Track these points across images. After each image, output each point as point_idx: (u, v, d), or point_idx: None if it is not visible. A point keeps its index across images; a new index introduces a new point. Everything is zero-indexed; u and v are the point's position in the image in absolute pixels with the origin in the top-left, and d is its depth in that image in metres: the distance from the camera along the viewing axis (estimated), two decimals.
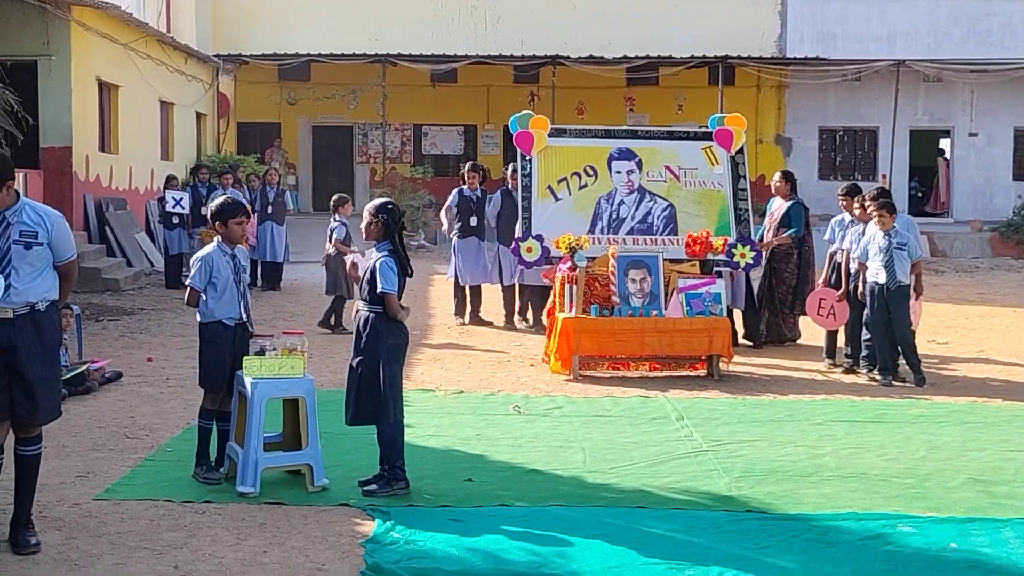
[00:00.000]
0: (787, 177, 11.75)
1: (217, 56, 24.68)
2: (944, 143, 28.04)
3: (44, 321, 5.19)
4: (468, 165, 13.46)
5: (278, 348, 6.29)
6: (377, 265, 6.13)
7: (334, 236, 11.89)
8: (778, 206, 11.69)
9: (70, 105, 16.56)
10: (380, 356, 6.12)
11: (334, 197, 12.35)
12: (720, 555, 5.19)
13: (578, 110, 26.84)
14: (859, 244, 9.84)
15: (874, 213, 9.62)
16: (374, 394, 6.12)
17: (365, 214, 6.32)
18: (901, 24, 26.07)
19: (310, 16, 26.37)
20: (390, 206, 6.30)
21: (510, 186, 12.26)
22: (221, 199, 6.62)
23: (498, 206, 12.56)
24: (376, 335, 6.14)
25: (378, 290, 6.09)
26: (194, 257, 6.51)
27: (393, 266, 6.11)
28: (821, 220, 22.23)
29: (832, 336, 10.47)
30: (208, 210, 6.59)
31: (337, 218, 12.02)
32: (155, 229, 18.53)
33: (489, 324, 12.77)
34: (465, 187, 12.96)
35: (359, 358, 6.17)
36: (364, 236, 6.41)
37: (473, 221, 12.83)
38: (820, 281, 10.67)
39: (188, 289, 6.40)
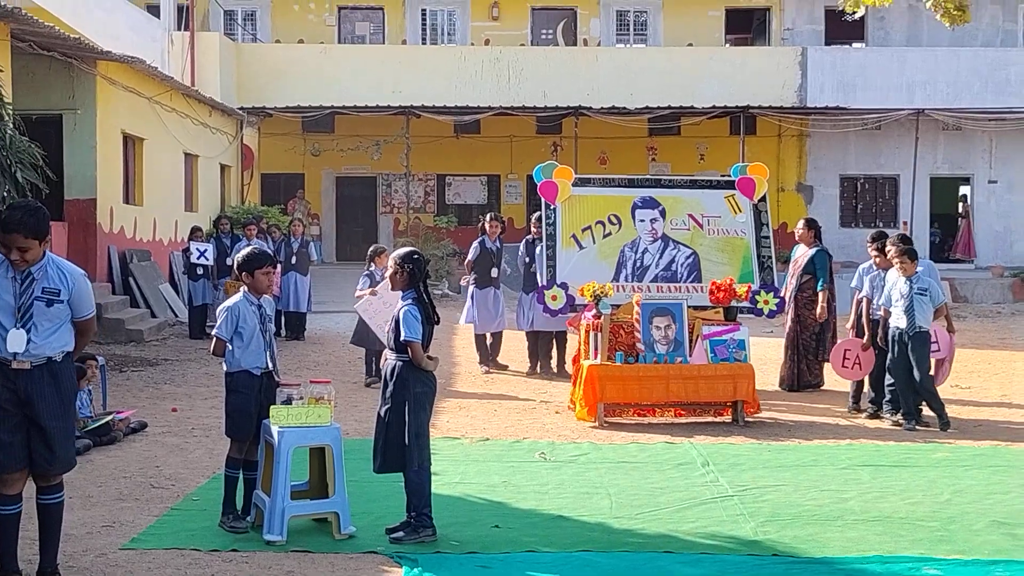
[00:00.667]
0: (810, 225, 11.81)
1: (241, 108, 25.04)
2: (964, 190, 28.04)
3: (61, 372, 5.28)
4: (489, 215, 13.58)
5: (305, 397, 6.35)
6: (401, 314, 6.21)
7: (357, 287, 11.96)
8: (802, 253, 11.73)
9: (95, 158, 16.82)
10: (407, 404, 6.17)
11: (370, 249, 12.30)
12: None
13: (600, 160, 27.04)
14: (881, 290, 9.87)
15: (895, 260, 9.65)
16: (400, 442, 6.17)
17: (390, 263, 6.41)
18: (920, 74, 26.18)
19: (334, 69, 26.72)
20: (415, 256, 6.39)
21: (533, 235, 12.35)
22: (247, 249, 6.71)
23: (524, 255, 12.68)
24: (403, 383, 6.20)
25: (402, 338, 6.16)
26: (220, 307, 6.59)
27: (417, 314, 6.19)
28: (844, 267, 22.25)
29: (859, 382, 10.45)
30: (234, 260, 6.68)
31: (371, 269, 11.95)
32: (179, 280, 18.72)
33: (504, 368, 12.89)
34: (486, 238, 13.07)
35: (387, 406, 6.23)
36: (390, 286, 6.50)
37: (494, 272, 12.94)
38: (848, 326, 10.66)
39: (214, 339, 6.47)
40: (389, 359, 6.34)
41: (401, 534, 6.13)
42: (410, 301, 6.26)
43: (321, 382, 6.50)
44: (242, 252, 6.64)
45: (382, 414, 6.26)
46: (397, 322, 6.23)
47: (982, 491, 7.31)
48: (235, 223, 18.60)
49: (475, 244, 13.18)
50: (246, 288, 6.49)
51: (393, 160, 26.66)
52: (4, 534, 5.14)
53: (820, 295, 11.39)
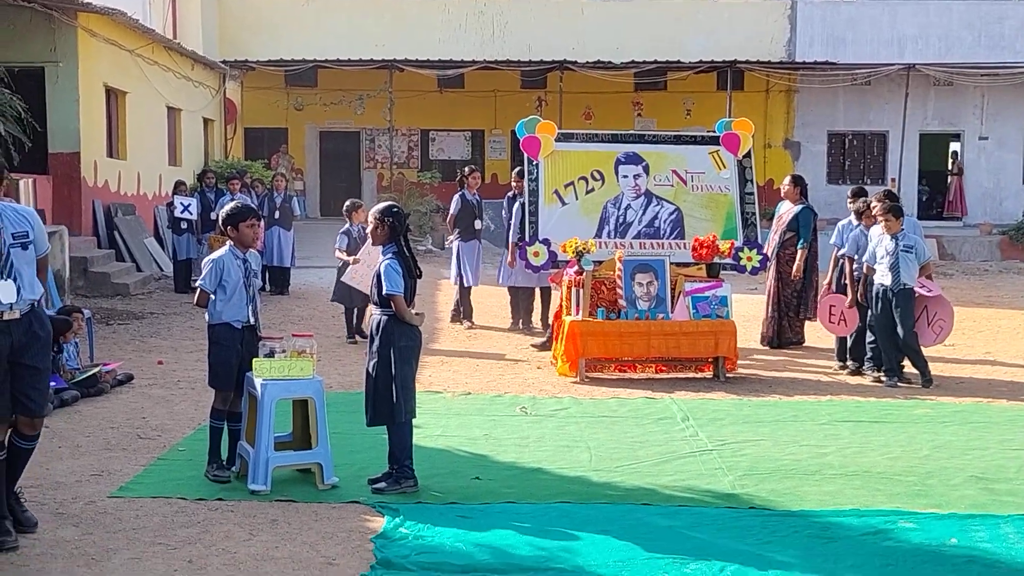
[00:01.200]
0: (796, 182, 11.83)
1: (224, 62, 24.81)
2: (954, 147, 28.06)
3: (43, 315, 5.36)
4: (467, 169, 13.56)
5: (287, 350, 6.39)
6: (382, 268, 6.23)
7: (335, 246, 11.90)
8: (787, 210, 11.77)
9: (78, 111, 16.69)
10: (392, 357, 6.21)
11: (346, 203, 12.25)
12: (722, 550, 5.27)
13: (585, 115, 26.95)
14: (865, 248, 9.92)
15: (880, 217, 9.69)
16: (388, 395, 6.21)
17: (370, 218, 6.42)
18: (911, 28, 26.10)
19: (316, 22, 26.51)
20: (395, 209, 6.40)
21: (515, 191, 12.32)
22: (232, 204, 6.72)
23: (507, 211, 12.63)
24: (388, 337, 6.23)
25: (384, 292, 6.19)
26: (206, 259, 6.61)
27: (398, 268, 6.21)
28: (829, 224, 22.30)
29: (843, 339, 10.53)
30: (219, 215, 6.67)
31: (347, 226, 11.98)
32: (164, 234, 18.66)
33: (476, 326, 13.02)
34: (467, 191, 13.06)
35: (373, 360, 6.28)
36: (371, 240, 6.51)
37: (477, 224, 12.99)
38: (824, 284, 10.74)
39: (198, 290, 6.49)
40: (374, 314, 6.37)
41: (383, 485, 6.20)
42: (391, 255, 6.27)
43: (303, 336, 6.53)
44: (226, 207, 6.64)
45: (369, 369, 6.30)
46: (379, 276, 6.25)
47: (961, 447, 7.40)
48: (219, 177, 18.51)
49: (456, 198, 13.16)
50: (232, 242, 6.50)
51: (376, 115, 26.51)
52: None
53: (799, 253, 11.44)
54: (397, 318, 6.23)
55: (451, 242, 13.15)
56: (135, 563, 5.00)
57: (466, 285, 13.01)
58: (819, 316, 10.45)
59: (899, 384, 9.63)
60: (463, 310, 13.14)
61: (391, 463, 6.29)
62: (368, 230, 6.50)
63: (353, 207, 12.01)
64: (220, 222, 6.60)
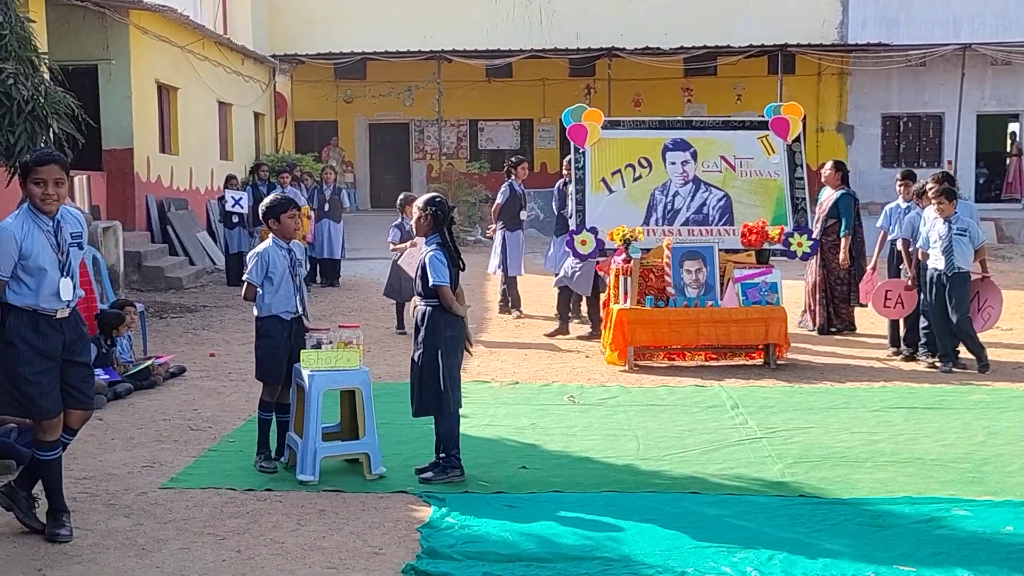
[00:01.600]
0: (838, 167, 11.66)
1: (273, 56, 25.05)
2: (1012, 127, 27.44)
3: (79, 313, 5.46)
4: (515, 159, 13.45)
5: (334, 341, 6.42)
6: (427, 259, 6.24)
7: (388, 239, 11.90)
8: (827, 196, 11.61)
9: (130, 108, 16.95)
10: (439, 348, 6.22)
11: (400, 197, 12.05)
12: (771, 539, 5.21)
13: (635, 102, 26.78)
14: (920, 231, 9.75)
15: (933, 199, 9.52)
16: (435, 386, 6.23)
17: (414, 209, 6.43)
18: (967, 7, 25.56)
19: (364, 15, 26.64)
20: (438, 199, 6.40)
21: (565, 179, 12.26)
22: (271, 196, 6.78)
23: (558, 199, 12.54)
24: (434, 328, 6.25)
25: (430, 283, 6.19)
26: (251, 253, 6.66)
27: (443, 259, 6.21)
28: (883, 208, 21.96)
29: (895, 325, 10.36)
30: (260, 209, 6.74)
31: (401, 219, 11.76)
32: (216, 228, 18.89)
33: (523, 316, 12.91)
34: (514, 181, 13.00)
35: (419, 351, 6.29)
36: (415, 231, 6.52)
37: (523, 215, 12.96)
38: (869, 268, 10.59)
39: (245, 284, 6.54)
40: (419, 305, 6.38)
41: (430, 475, 6.22)
42: (435, 246, 6.28)
43: (350, 327, 6.56)
44: (266, 200, 6.69)
45: (415, 359, 6.32)
46: (424, 268, 6.26)
47: (1018, 433, 7.25)
48: (271, 171, 18.69)
49: (504, 187, 13.07)
50: (273, 234, 6.56)
51: (425, 106, 26.58)
52: (52, 476, 5.29)
53: (843, 240, 11.28)
54: (443, 309, 6.24)
55: (493, 232, 13.10)
56: (184, 553, 5.06)
57: (510, 275, 12.97)
58: (873, 301, 10.28)
59: (954, 370, 9.47)
60: (511, 300, 13.12)
61: (438, 453, 6.30)
62: (412, 221, 6.50)
63: (406, 200, 11.83)
64: (261, 215, 6.66)
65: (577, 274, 11.14)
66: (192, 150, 19.81)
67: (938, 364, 9.59)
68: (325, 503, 5.85)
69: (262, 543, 5.19)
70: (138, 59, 17.24)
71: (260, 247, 6.59)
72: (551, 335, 11.55)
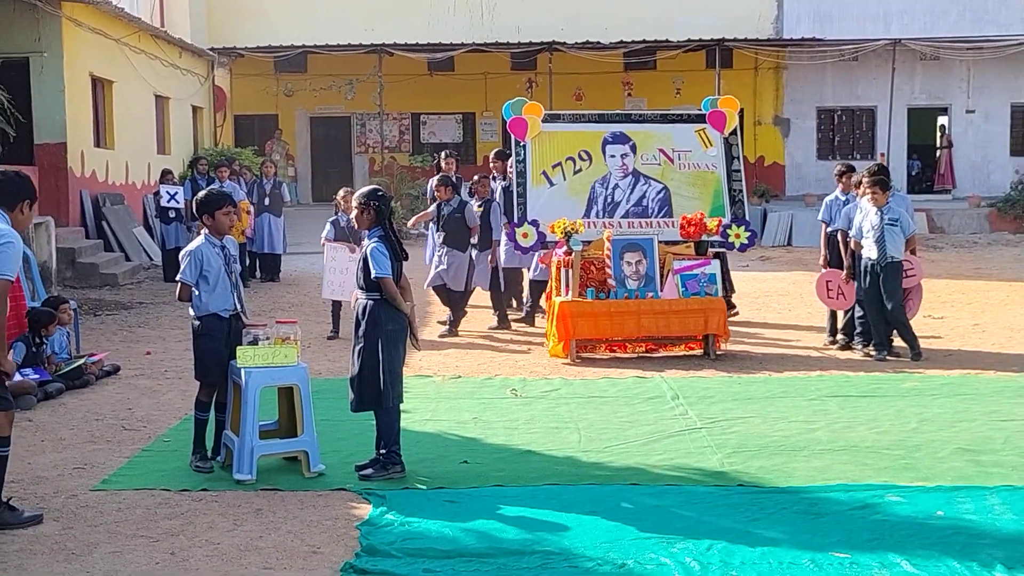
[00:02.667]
0: None
1: (212, 49, 24.67)
2: (942, 120, 27.99)
3: None
4: (443, 153, 13.37)
5: (271, 337, 6.34)
6: (369, 251, 6.19)
7: (323, 236, 11.44)
8: None
9: (64, 101, 16.59)
10: (380, 341, 6.17)
11: (338, 193, 11.80)
12: (710, 528, 5.26)
13: (576, 96, 26.82)
14: (854, 222, 9.89)
15: (867, 190, 9.66)
16: (375, 380, 6.18)
17: (354, 202, 6.37)
18: (897, 3, 25.99)
19: (305, 7, 26.35)
20: (379, 193, 6.35)
21: (493, 174, 12.21)
22: (205, 192, 6.65)
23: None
24: (375, 321, 6.19)
25: (372, 275, 6.14)
26: (183, 252, 6.53)
27: (385, 251, 6.17)
28: (819, 200, 22.27)
29: (833, 314, 10.49)
30: (193, 204, 6.62)
31: (337, 215, 11.53)
32: (153, 223, 18.59)
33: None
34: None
35: (359, 345, 6.23)
36: (356, 225, 6.45)
37: None
38: (821, 263, 10.69)
39: (179, 284, 6.42)
40: (360, 298, 6.32)
41: (370, 471, 6.17)
42: (376, 239, 6.23)
43: (287, 322, 6.49)
44: (199, 195, 6.58)
45: (356, 351, 6.27)
46: (365, 260, 6.21)
47: (949, 419, 7.40)
48: (211, 165, 18.43)
49: (432, 181, 12.58)
50: (207, 230, 6.45)
51: (367, 99, 26.38)
52: None
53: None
54: (385, 302, 6.19)
55: (422, 228, 12.84)
56: (116, 557, 4.96)
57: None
58: (817, 292, 10.37)
59: (888, 358, 9.62)
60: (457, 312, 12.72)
61: (378, 449, 6.26)
62: (352, 215, 6.43)
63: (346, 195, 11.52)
64: (195, 210, 6.54)
65: (445, 270, 11.06)
66: (128, 144, 19.46)
67: (873, 353, 9.74)
68: (262, 502, 5.78)
69: (197, 544, 5.11)
70: (71, 52, 16.87)
71: (192, 245, 6.46)
72: (495, 328, 11.51)
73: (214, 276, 6.34)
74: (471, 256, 11.28)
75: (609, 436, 7.08)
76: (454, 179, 12.50)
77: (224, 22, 26.15)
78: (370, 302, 6.23)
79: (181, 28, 23.76)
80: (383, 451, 6.24)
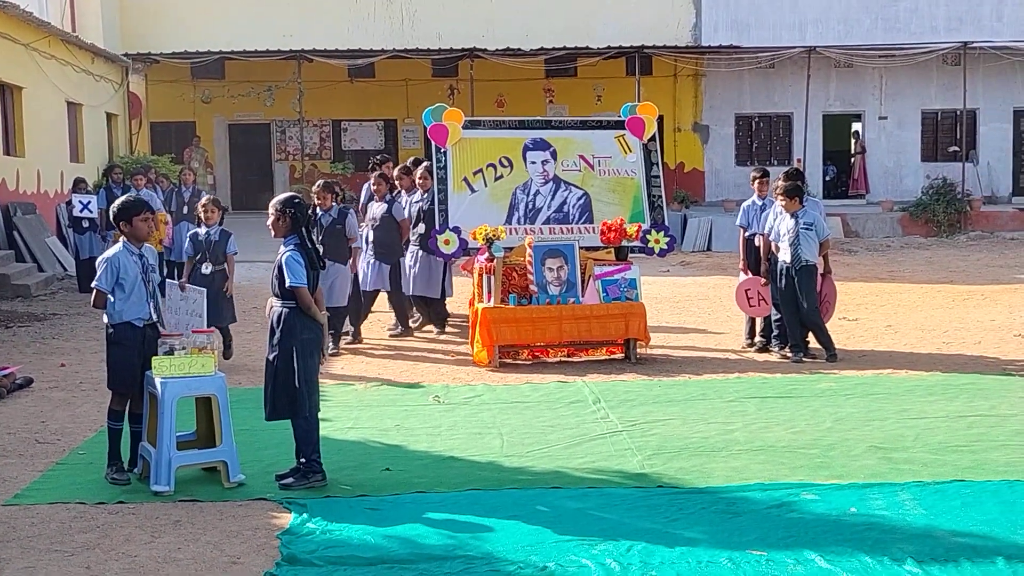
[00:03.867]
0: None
1: (126, 55, 24.22)
2: (856, 126, 28.69)
3: None
4: (380, 157, 12.72)
5: (188, 347, 6.26)
6: (284, 260, 6.14)
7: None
8: None
9: None
10: (295, 350, 6.12)
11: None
12: (631, 529, 5.32)
13: (498, 103, 26.90)
14: (770, 225, 10.06)
15: (779, 197, 9.85)
16: (290, 389, 6.13)
17: (271, 210, 6.30)
18: (813, 12, 26.58)
19: (221, 13, 25.98)
20: (296, 200, 6.31)
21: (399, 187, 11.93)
22: (122, 199, 6.54)
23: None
24: (290, 330, 6.14)
25: (287, 284, 6.09)
26: (100, 259, 6.42)
27: (300, 259, 6.12)
28: (738, 205, 22.63)
29: (752, 318, 10.65)
30: (111, 212, 6.51)
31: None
32: (66, 233, 18.16)
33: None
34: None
35: (274, 353, 6.18)
36: (272, 233, 6.39)
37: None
38: (740, 266, 10.82)
39: (94, 291, 6.30)
40: (275, 306, 6.27)
41: (291, 480, 6.12)
42: (292, 247, 6.18)
43: (204, 332, 6.40)
44: (116, 202, 6.46)
45: (270, 360, 6.21)
46: (280, 268, 6.16)
47: (862, 418, 7.59)
48: (126, 173, 18.07)
49: (366, 187, 12.26)
50: (125, 238, 6.34)
51: (286, 106, 26.15)
52: None
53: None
54: (300, 311, 6.15)
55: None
56: (29, 572, 4.85)
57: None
58: (738, 302, 10.49)
59: (804, 359, 9.82)
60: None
61: (298, 458, 6.21)
62: (269, 222, 6.37)
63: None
64: (112, 218, 6.43)
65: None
66: (39, 152, 18.98)
67: (789, 354, 9.93)
68: (181, 513, 5.69)
69: (113, 558, 5.01)
70: None
71: (109, 252, 6.36)
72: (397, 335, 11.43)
73: (130, 284, 6.24)
74: (412, 257, 11.21)
75: (531, 441, 7.12)
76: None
77: (139, 27, 25.65)
78: (285, 310, 6.17)
79: (94, 33, 23.26)
80: (303, 460, 6.19)
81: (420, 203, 11.21)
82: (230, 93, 26.98)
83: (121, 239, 6.37)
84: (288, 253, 6.14)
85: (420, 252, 11.19)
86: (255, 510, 5.76)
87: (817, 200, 11.69)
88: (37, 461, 6.77)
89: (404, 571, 4.83)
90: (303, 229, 6.24)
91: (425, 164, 11.48)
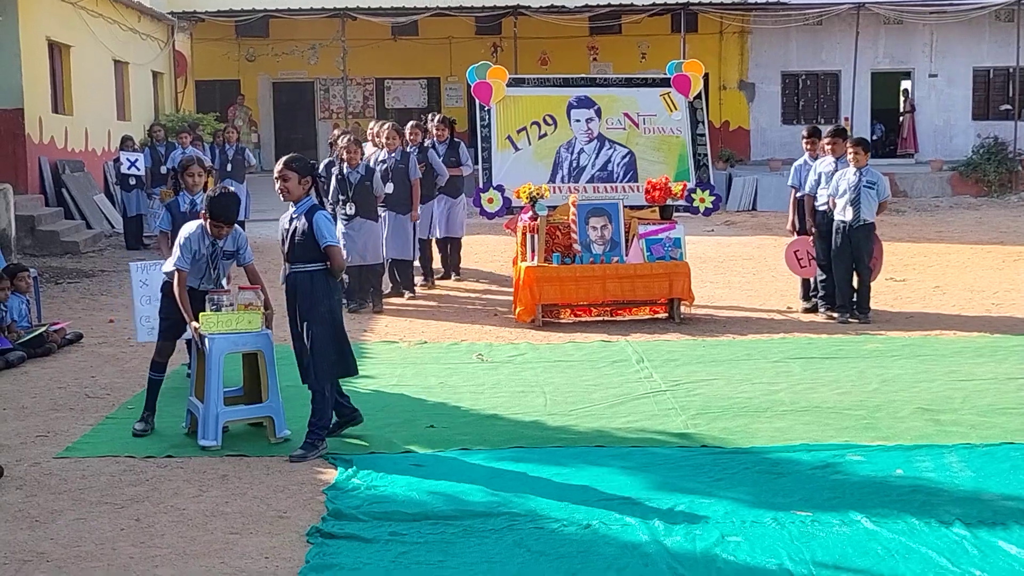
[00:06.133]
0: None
1: (171, 14, 24.29)
2: (905, 84, 28.15)
3: None
4: (438, 119, 12.82)
5: (235, 303, 6.31)
6: (316, 220, 5.92)
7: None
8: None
9: (20, 66, 16.29)
10: (334, 313, 6.08)
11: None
12: (674, 489, 5.31)
13: (541, 61, 26.69)
14: (827, 182, 9.88)
15: (851, 150, 9.66)
16: (337, 350, 6.10)
17: (284, 172, 6.02)
18: None
19: None
20: (312, 163, 6.26)
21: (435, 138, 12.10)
22: (217, 198, 6.34)
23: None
24: (325, 292, 6.00)
25: (325, 244, 5.90)
26: (180, 238, 6.37)
27: (331, 220, 6.13)
28: (784, 165, 22.34)
29: (806, 279, 10.50)
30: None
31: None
32: (113, 191, 18.36)
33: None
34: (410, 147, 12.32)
35: (307, 320, 5.97)
36: (285, 196, 6.08)
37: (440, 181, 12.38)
38: (788, 227, 10.66)
39: (176, 271, 6.31)
40: (296, 269, 6.02)
41: (302, 452, 5.94)
42: (315, 208, 6.01)
43: (250, 288, 6.44)
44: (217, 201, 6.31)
45: (302, 329, 6.01)
46: (307, 231, 5.93)
47: (909, 380, 7.49)
48: (169, 131, 18.20)
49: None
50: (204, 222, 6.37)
51: (330, 64, 26.15)
52: None
53: None
54: (327, 273, 6.01)
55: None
56: (80, 524, 4.94)
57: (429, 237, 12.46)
58: (787, 261, 10.36)
59: (851, 320, 9.71)
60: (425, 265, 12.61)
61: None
62: (281, 186, 6.03)
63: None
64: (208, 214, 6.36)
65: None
66: (87, 110, 19.16)
67: (835, 315, 9.82)
68: (228, 468, 5.76)
69: (162, 511, 5.09)
70: (27, 16, 16.55)
71: (187, 230, 6.37)
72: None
73: (199, 264, 6.41)
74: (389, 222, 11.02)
75: (574, 399, 7.12)
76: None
77: None
78: (316, 272, 5.96)
79: None
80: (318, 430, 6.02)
81: (387, 162, 10.97)
82: (274, 51, 27.03)
83: (199, 223, 6.43)
84: (319, 213, 6.02)
85: (389, 214, 10.98)
86: (301, 465, 5.81)
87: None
88: (88, 415, 6.88)
89: (448, 527, 4.86)
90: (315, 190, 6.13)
91: (391, 124, 11.34)
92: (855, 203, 9.57)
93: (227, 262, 6.55)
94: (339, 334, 6.12)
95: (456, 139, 12.63)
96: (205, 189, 7.34)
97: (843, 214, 9.66)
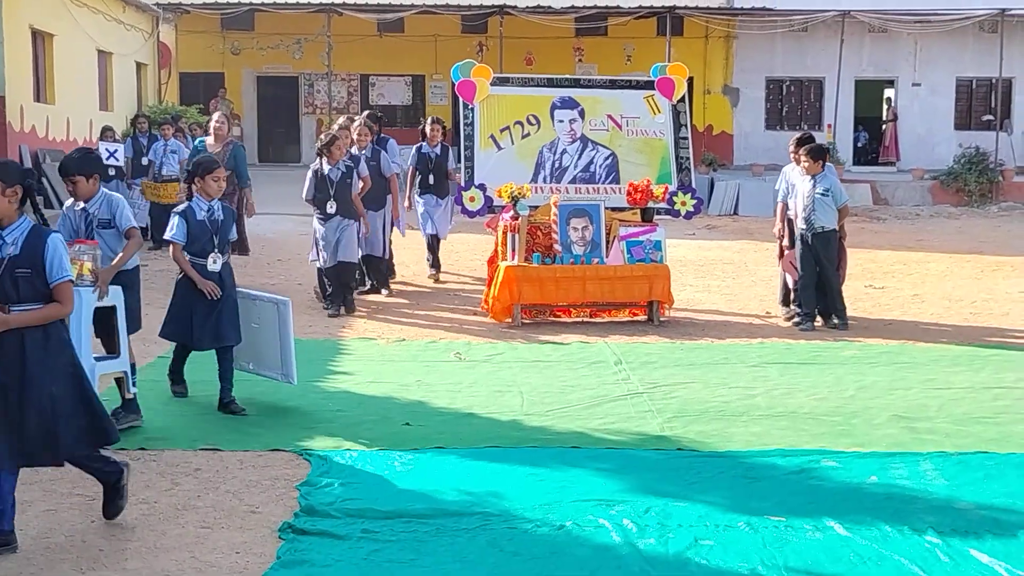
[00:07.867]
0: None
1: (157, 5, 24.18)
2: (888, 93, 28.30)
3: None
4: (431, 120, 12.75)
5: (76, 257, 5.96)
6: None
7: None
8: None
9: (2, 54, 16.18)
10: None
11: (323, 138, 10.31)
12: (649, 491, 5.31)
13: (527, 60, 26.70)
14: (785, 190, 9.95)
15: (802, 158, 9.68)
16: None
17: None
18: None
19: None
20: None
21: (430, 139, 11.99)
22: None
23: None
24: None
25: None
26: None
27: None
28: (767, 170, 22.42)
29: (786, 284, 10.48)
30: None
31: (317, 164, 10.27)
32: None
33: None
34: (424, 144, 12.40)
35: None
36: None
37: (431, 179, 12.34)
38: (775, 231, 10.63)
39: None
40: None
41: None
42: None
43: (85, 242, 6.17)
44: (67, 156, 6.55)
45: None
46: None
47: (886, 387, 7.52)
48: (153, 123, 18.07)
49: (412, 151, 12.45)
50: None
51: (315, 59, 26.07)
52: None
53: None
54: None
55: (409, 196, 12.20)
56: (50, 515, 4.90)
57: (430, 234, 12.24)
58: (785, 269, 10.24)
59: (812, 329, 9.58)
60: (432, 260, 12.57)
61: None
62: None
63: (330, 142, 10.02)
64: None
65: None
66: (70, 100, 19.04)
67: (796, 320, 9.75)
68: (201, 462, 5.73)
69: (133, 503, 5.04)
70: (10, 4, 16.42)
71: (67, 203, 6.47)
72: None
73: (77, 234, 6.37)
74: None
75: (551, 400, 7.11)
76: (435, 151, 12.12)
77: None
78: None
79: None
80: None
81: (359, 158, 10.65)
82: (259, 45, 26.94)
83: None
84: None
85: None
86: (275, 460, 5.79)
87: (830, 165, 11.48)
88: None
89: (421, 525, 4.84)
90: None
91: (363, 120, 11.22)
92: (808, 210, 9.56)
93: (108, 232, 6.33)
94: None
95: (384, 136, 12.30)
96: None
97: (802, 223, 9.66)
